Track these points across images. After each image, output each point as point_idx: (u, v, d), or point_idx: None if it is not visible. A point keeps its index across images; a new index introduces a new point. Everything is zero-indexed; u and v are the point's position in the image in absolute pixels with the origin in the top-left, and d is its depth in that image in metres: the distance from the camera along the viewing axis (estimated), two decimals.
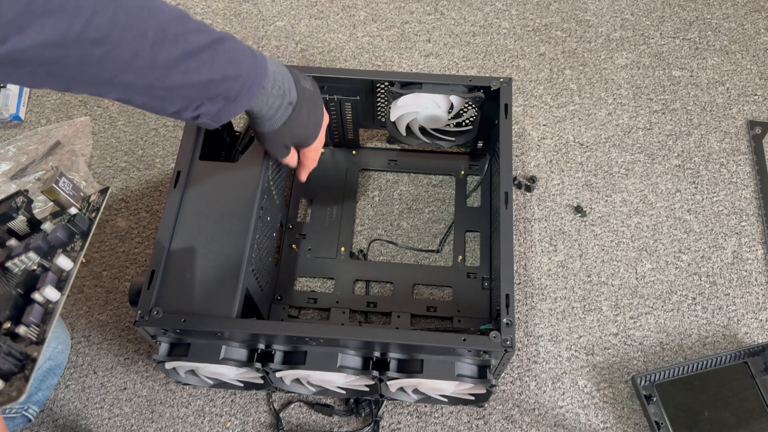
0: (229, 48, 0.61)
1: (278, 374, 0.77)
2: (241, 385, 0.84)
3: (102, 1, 0.50)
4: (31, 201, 0.70)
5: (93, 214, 0.70)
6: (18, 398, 0.56)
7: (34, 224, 0.70)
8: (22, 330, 0.60)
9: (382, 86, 0.91)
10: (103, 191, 0.72)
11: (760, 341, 0.91)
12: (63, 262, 0.65)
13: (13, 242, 0.69)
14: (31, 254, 0.66)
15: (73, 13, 0.47)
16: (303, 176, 0.84)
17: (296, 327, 0.72)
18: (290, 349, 0.75)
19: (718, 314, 0.94)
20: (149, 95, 0.57)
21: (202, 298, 0.73)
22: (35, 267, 0.65)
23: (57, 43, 0.47)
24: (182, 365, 0.77)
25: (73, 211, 0.69)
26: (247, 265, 0.75)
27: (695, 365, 0.87)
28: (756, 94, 1.14)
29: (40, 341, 0.60)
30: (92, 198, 0.71)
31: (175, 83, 0.57)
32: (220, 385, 0.85)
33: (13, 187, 1.01)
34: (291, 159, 0.80)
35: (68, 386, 0.89)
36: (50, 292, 0.62)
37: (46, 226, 0.69)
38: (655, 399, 0.85)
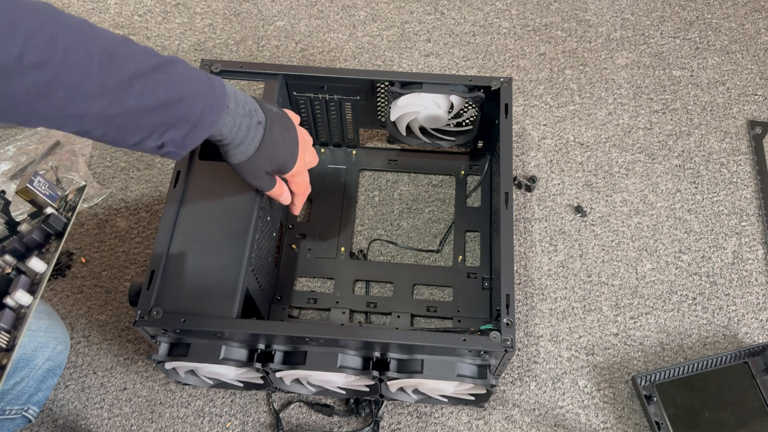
0: (183, 70, 0.58)
1: (278, 374, 0.77)
2: (241, 385, 0.84)
3: (38, 21, 0.47)
4: (8, 203, 0.69)
5: (69, 214, 0.68)
6: None
7: (13, 226, 0.69)
8: None
9: (382, 86, 0.91)
10: (80, 189, 0.70)
11: (761, 341, 0.91)
12: (36, 264, 0.63)
13: None
14: (7, 257, 0.65)
15: (7, 35, 0.45)
16: (297, 208, 0.81)
17: (296, 327, 0.72)
18: (290, 349, 0.75)
19: (718, 314, 0.94)
20: (107, 125, 0.55)
21: (202, 298, 0.73)
22: (10, 270, 0.64)
23: None
24: (182, 365, 0.77)
25: (49, 211, 0.67)
26: (247, 265, 0.75)
27: (695, 365, 0.87)
28: (756, 94, 1.14)
29: (9, 348, 0.59)
30: (69, 197, 0.70)
31: (131, 108, 0.54)
32: (220, 385, 0.85)
33: (13, 188, 1.01)
34: (279, 190, 0.75)
35: (68, 386, 0.89)
36: (21, 296, 0.61)
37: (24, 228, 0.67)
38: (655, 399, 0.85)
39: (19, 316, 0.60)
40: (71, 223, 0.67)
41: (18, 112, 0.50)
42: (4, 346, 0.59)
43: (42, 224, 0.66)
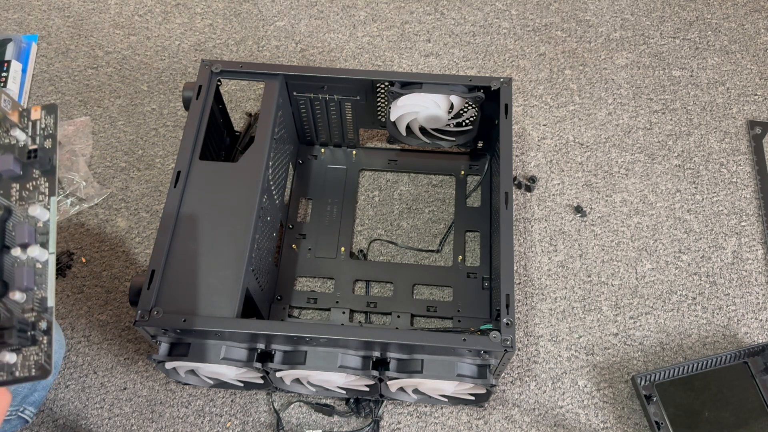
0: None
1: (278, 374, 0.77)
2: (241, 385, 0.84)
3: None
4: None
5: (47, 142, 0.60)
6: (47, 375, 0.51)
7: None
8: (17, 296, 0.52)
9: (382, 86, 0.91)
10: (49, 108, 0.61)
11: (760, 341, 0.91)
12: (39, 212, 0.55)
13: None
14: None
15: None
16: None
17: (296, 327, 0.72)
18: (290, 349, 0.75)
19: (718, 314, 0.94)
20: None
21: (202, 298, 0.73)
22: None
23: None
24: (182, 365, 0.77)
25: (21, 136, 0.58)
26: (247, 265, 0.75)
27: (695, 365, 0.87)
28: (756, 94, 1.14)
29: (44, 309, 0.52)
30: (33, 116, 0.61)
31: None
32: (220, 385, 0.85)
33: None
34: None
35: (68, 386, 0.89)
36: (38, 253, 0.53)
37: None
38: (655, 399, 0.85)
39: (37, 272, 0.53)
40: (57, 155, 0.60)
41: None
42: (38, 307, 0.52)
43: (27, 161, 0.59)
